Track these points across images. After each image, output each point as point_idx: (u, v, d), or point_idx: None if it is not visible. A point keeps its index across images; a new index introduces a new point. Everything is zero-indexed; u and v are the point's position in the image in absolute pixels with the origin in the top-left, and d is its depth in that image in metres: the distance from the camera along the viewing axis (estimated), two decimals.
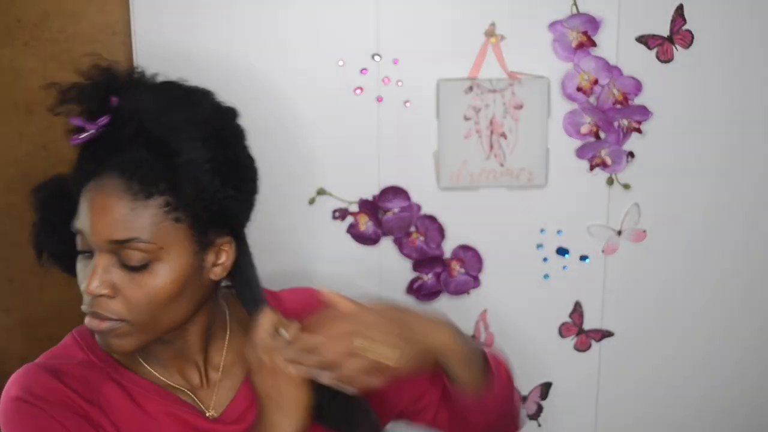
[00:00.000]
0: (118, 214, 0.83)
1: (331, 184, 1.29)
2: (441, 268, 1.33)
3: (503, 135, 1.28)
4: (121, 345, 0.87)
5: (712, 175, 1.33)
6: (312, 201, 1.29)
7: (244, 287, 0.95)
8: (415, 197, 1.30)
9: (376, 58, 1.25)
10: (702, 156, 1.32)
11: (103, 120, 0.85)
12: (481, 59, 1.26)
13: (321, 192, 1.29)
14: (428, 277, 1.33)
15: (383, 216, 1.30)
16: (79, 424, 0.87)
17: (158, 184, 0.83)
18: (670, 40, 1.27)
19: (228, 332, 0.98)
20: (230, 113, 0.92)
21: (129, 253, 0.83)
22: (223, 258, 0.90)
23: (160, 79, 0.90)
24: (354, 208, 1.30)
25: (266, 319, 0.88)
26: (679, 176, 1.33)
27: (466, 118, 1.27)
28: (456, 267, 1.33)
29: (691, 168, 1.33)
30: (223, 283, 0.95)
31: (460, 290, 1.34)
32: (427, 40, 1.25)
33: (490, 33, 1.25)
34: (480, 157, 1.29)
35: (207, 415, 0.94)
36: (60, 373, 0.89)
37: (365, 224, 1.30)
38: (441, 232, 1.32)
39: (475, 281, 1.34)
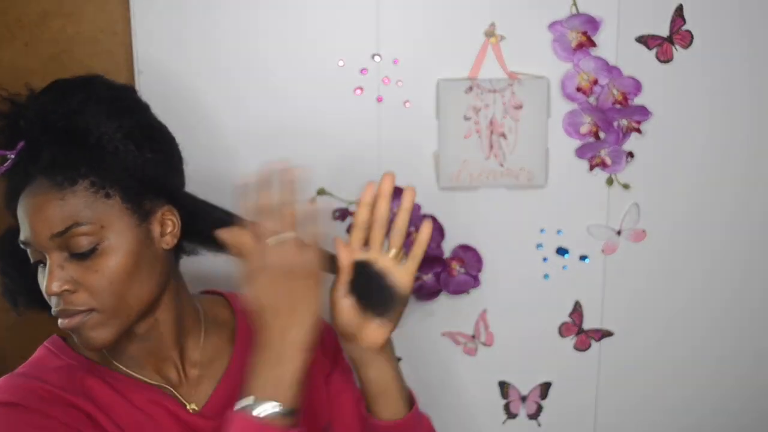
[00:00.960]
0: (51, 209, 0.85)
1: (331, 184, 1.29)
2: (441, 267, 1.33)
3: (503, 135, 1.28)
4: (98, 337, 0.88)
5: (711, 175, 1.33)
6: (312, 201, 1.29)
7: (201, 221, 0.95)
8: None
9: (376, 58, 1.25)
10: (701, 156, 1.32)
11: (20, 145, 0.88)
12: (480, 59, 1.26)
13: (321, 192, 1.29)
14: (428, 277, 1.33)
15: None
16: (77, 416, 0.87)
17: (79, 169, 0.86)
18: (669, 40, 1.27)
19: (203, 329, 1.00)
20: (126, 88, 0.96)
21: (75, 242, 0.85)
22: (169, 227, 0.92)
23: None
24: (354, 208, 1.30)
25: (260, 228, 0.89)
26: (678, 176, 1.33)
27: (466, 118, 1.27)
28: (456, 267, 1.33)
29: (690, 168, 1.33)
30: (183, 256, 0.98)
31: (460, 290, 1.34)
32: (427, 40, 1.25)
33: (489, 33, 1.26)
34: (480, 157, 1.29)
35: (188, 408, 0.95)
36: (41, 378, 0.89)
37: None
38: (441, 232, 1.32)
39: (475, 281, 1.34)
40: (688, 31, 1.27)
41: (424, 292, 1.33)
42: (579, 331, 1.38)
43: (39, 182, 0.87)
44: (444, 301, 1.35)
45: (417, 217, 1.31)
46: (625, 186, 1.32)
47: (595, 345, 1.39)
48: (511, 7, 1.24)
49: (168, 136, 0.96)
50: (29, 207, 0.87)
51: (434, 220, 1.31)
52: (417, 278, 1.33)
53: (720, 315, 1.39)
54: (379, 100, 1.27)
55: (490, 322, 1.37)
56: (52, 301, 0.88)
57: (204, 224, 0.94)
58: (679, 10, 1.26)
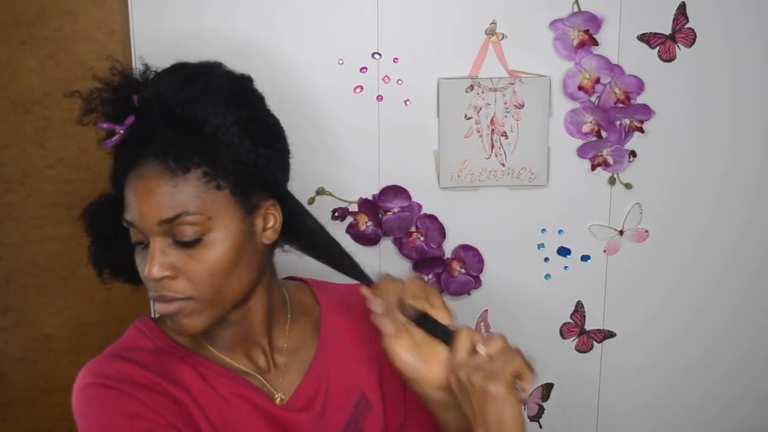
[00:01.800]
0: (161, 195, 0.85)
1: (331, 184, 1.29)
2: (441, 268, 1.32)
3: (504, 134, 1.28)
4: (192, 324, 0.88)
5: (714, 175, 1.33)
6: (312, 201, 1.28)
7: (325, 252, 0.96)
8: (415, 197, 1.29)
9: (376, 56, 1.25)
10: (704, 155, 1.32)
11: (130, 119, 0.87)
12: (481, 58, 1.25)
13: (320, 192, 1.29)
14: (429, 278, 1.32)
15: (383, 216, 1.29)
16: (169, 405, 0.87)
17: (192, 158, 0.85)
18: (672, 38, 1.27)
19: (289, 316, 1.00)
20: (245, 78, 0.95)
21: (181, 230, 0.85)
22: (271, 221, 0.92)
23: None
24: (354, 207, 1.29)
25: (465, 337, 0.87)
26: (681, 176, 1.32)
27: (467, 117, 1.27)
28: (457, 267, 1.32)
29: (693, 167, 1.32)
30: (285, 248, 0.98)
31: (461, 291, 1.33)
32: (428, 38, 1.25)
33: (490, 31, 1.25)
34: (481, 156, 1.28)
35: (276, 399, 0.95)
36: (132, 359, 0.90)
37: (365, 224, 1.30)
38: (441, 232, 1.31)
39: (476, 281, 1.33)
40: (691, 29, 1.26)
41: None
42: (581, 332, 1.37)
43: (150, 164, 0.86)
44: (445, 301, 1.34)
45: (417, 217, 1.30)
46: (628, 186, 1.32)
47: (596, 346, 1.38)
48: (512, 5, 1.24)
49: (280, 131, 0.96)
50: (139, 189, 0.86)
51: (435, 220, 1.30)
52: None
53: (725, 314, 1.39)
54: (379, 98, 1.26)
55: (491, 322, 1.36)
56: (150, 285, 0.88)
57: (301, 225, 0.95)
58: (682, 8, 1.25)
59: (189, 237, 0.86)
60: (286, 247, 0.99)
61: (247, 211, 0.89)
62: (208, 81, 0.89)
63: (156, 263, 0.85)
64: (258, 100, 0.95)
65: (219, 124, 0.87)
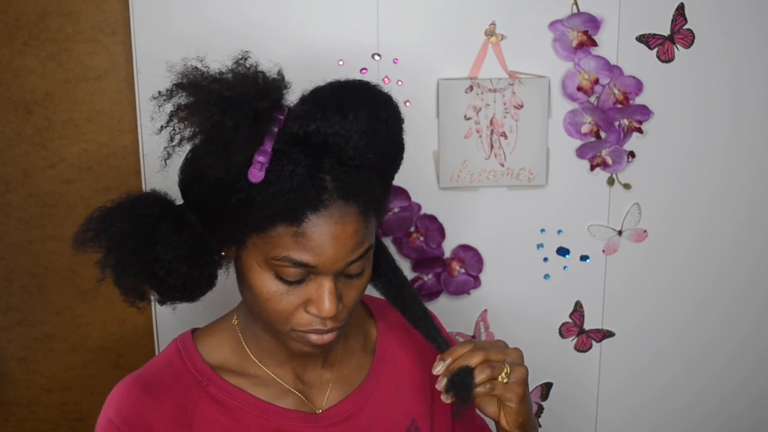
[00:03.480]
0: (357, 236, 0.82)
1: None
2: (441, 268, 1.33)
3: (503, 135, 1.28)
4: (330, 344, 0.87)
5: (712, 175, 1.33)
6: None
7: (409, 309, 0.94)
8: (415, 197, 1.30)
9: (376, 57, 1.25)
10: (703, 156, 1.32)
11: (268, 146, 0.77)
12: (481, 59, 1.26)
13: None
14: (428, 278, 1.33)
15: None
16: None
17: (377, 191, 0.84)
18: (670, 39, 1.27)
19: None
20: (393, 102, 0.87)
21: (358, 264, 0.83)
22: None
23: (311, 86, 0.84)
24: None
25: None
26: (679, 176, 1.33)
27: (467, 118, 1.27)
28: (456, 267, 1.33)
29: (691, 168, 1.33)
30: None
31: (461, 290, 1.33)
32: (427, 39, 1.25)
33: (490, 32, 1.25)
34: (480, 156, 1.28)
35: (316, 411, 0.93)
36: (156, 391, 0.88)
37: None
38: (441, 231, 1.31)
39: (476, 281, 1.33)
40: (690, 30, 1.27)
41: (424, 293, 1.33)
42: (580, 331, 1.38)
43: (346, 207, 0.80)
44: (444, 301, 1.34)
45: (417, 217, 1.30)
46: (626, 186, 1.32)
47: (595, 345, 1.39)
48: (511, 6, 1.24)
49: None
50: (331, 233, 0.80)
51: (434, 220, 1.31)
52: (417, 278, 1.33)
53: (722, 315, 1.39)
54: None
55: (490, 322, 1.36)
56: (311, 320, 0.83)
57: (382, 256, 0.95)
58: (681, 9, 1.26)
59: (361, 269, 0.85)
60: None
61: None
62: (388, 126, 0.83)
63: (334, 300, 0.82)
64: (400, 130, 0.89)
65: (395, 170, 0.88)
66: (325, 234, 0.79)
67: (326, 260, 0.80)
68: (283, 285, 0.82)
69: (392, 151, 0.85)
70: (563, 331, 1.38)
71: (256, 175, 0.76)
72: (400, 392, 0.98)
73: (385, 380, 0.97)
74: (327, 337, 0.85)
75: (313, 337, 0.84)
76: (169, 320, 1.29)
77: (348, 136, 0.79)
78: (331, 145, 0.79)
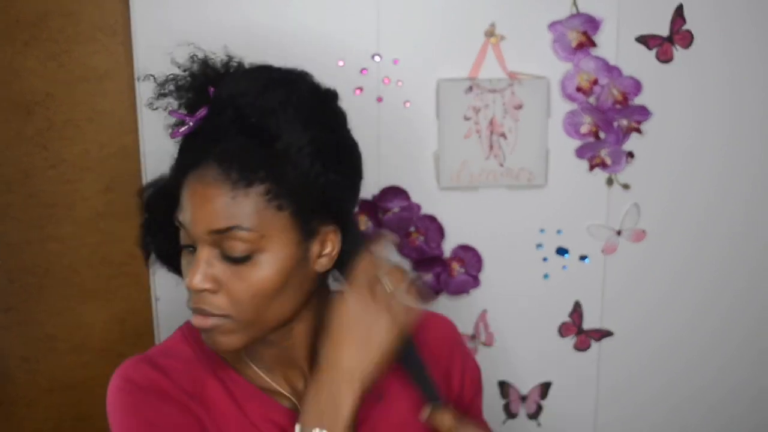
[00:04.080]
0: (218, 204, 0.80)
1: None
2: (441, 268, 1.33)
3: (503, 135, 1.28)
4: (226, 343, 0.84)
5: (712, 175, 1.34)
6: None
7: (357, 249, 0.89)
8: (414, 197, 1.30)
9: (376, 58, 1.25)
10: (702, 156, 1.33)
11: (202, 112, 0.83)
12: (480, 59, 1.26)
13: None
14: (428, 278, 1.33)
15: (383, 216, 1.30)
16: (183, 417, 0.85)
17: (258, 171, 0.80)
18: (669, 40, 1.27)
19: None
20: (329, 95, 0.89)
21: (231, 244, 0.80)
22: (328, 248, 0.86)
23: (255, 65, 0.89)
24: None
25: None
26: (678, 176, 1.33)
27: (466, 118, 1.27)
28: (456, 267, 1.33)
29: (690, 168, 1.33)
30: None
31: (460, 290, 1.34)
32: (427, 40, 1.25)
33: (489, 33, 1.25)
34: (480, 157, 1.29)
35: None
36: (163, 367, 0.88)
37: (365, 224, 1.30)
38: (441, 232, 1.32)
39: (475, 281, 1.34)
40: (689, 31, 1.27)
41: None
42: (579, 331, 1.38)
43: (212, 169, 0.80)
44: (444, 301, 1.34)
45: (417, 217, 1.30)
46: (625, 186, 1.32)
47: (594, 345, 1.39)
48: (511, 7, 1.24)
49: (356, 155, 0.91)
50: (196, 193, 0.81)
51: (434, 220, 1.31)
52: (418, 278, 1.33)
53: (721, 315, 1.39)
54: (379, 100, 1.27)
55: (490, 322, 1.37)
56: (189, 294, 0.83)
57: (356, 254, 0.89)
58: (680, 9, 1.26)
59: (238, 253, 0.81)
60: (337, 275, 0.91)
61: (305, 236, 0.84)
62: (291, 92, 0.83)
63: (199, 273, 0.81)
64: (339, 120, 0.89)
65: (293, 142, 0.81)
66: (191, 191, 0.82)
67: (188, 220, 0.82)
68: (185, 253, 0.85)
69: (293, 129, 0.81)
70: (562, 331, 1.38)
71: (174, 133, 0.85)
72: (399, 408, 0.95)
73: (385, 397, 0.94)
74: (208, 323, 0.83)
75: (195, 318, 0.83)
76: (170, 320, 1.29)
77: (244, 92, 0.82)
78: (216, 104, 0.83)
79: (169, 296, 1.30)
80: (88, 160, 1.30)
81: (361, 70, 1.25)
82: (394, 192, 1.29)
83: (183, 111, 0.86)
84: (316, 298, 0.90)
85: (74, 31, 1.25)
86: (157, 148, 1.25)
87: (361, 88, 1.26)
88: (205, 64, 0.87)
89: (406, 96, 1.26)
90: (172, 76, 0.87)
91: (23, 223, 1.32)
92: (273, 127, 0.81)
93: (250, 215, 0.80)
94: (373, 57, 1.25)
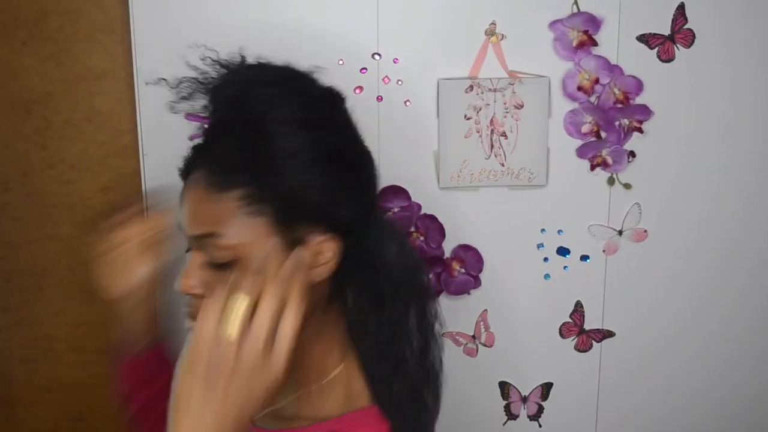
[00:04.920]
0: (197, 209, 0.79)
1: None
2: (441, 268, 1.32)
3: (504, 134, 1.28)
4: None
5: (713, 175, 1.33)
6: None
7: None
8: (415, 197, 1.30)
9: (376, 57, 1.25)
10: (703, 155, 1.32)
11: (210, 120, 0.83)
12: (481, 58, 1.26)
13: None
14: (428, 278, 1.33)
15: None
16: None
17: (241, 174, 0.77)
18: (671, 39, 1.27)
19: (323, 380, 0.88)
20: (331, 96, 0.85)
21: (212, 251, 0.78)
22: (323, 257, 0.81)
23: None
24: None
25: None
26: (680, 176, 1.33)
27: (467, 118, 1.27)
28: (456, 267, 1.33)
29: (692, 168, 1.33)
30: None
31: (461, 290, 1.33)
32: (427, 39, 1.25)
33: (490, 32, 1.25)
34: (480, 156, 1.28)
35: None
36: None
37: None
38: (441, 231, 1.31)
39: (476, 281, 1.33)
40: (690, 30, 1.26)
41: None
42: (580, 331, 1.38)
43: (202, 171, 0.79)
44: (444, 301, 1.34)
45: (417, 217, 1.30)
46: (627, 186, 1.32)
47: (596, 345, 1.39)
48: (511, 5, 1.24)
49: (362, 161, 0.86)
50: (184, 197, 0.80)
51: (434, 219, 1.30)
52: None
53: (723, 315, 1.39)
54: (379, 99, 1.26)
55: (490, 322, 1.36)
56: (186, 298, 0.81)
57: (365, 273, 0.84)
58: (681, 8, 1.26)
59: (220, 259, 0.78)
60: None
61: (290, 244, 0.78)
62: (288, 92, 0.81)
63: (187, 276, 0.79)
64: (339, 122, 0.85)
65: (282, 147, 0.77)
66: (183, 196, 0.81)
67: (180, 223, 0.82)
68: (187, 255, 0.84)
69: (284, 130, 0.77)
70: (563, 331, 1.38)
71: (193, 136, 0.86)
72: None
73: None
74: None
75: (188, 321, 0.81)
76: (169, 320, 1.28)
77: (239, 91, 0.80)
78: (221, 100, 0.82)
79: (168, 296, 1.29)
80: (86, 159, 1.29)
81: (361, 69, 1.25)
82: (395, 191, 1.29)
83: (201, 113, 0.85)
84: (319, 315, 0.84)
85: (73, 30, 1.25)
86: (157, 148, 1.25)
87: (361, 87, 1.25)
88: (217, 65, 0.86)
89: (406, 95, 1.26)
90: (185, 80, 0.85)
91: (22, 222, 1.32)
92: (262, 129, 0.78)
93: (226, 221, 0.77)
94: (373, 56, 1.25)
